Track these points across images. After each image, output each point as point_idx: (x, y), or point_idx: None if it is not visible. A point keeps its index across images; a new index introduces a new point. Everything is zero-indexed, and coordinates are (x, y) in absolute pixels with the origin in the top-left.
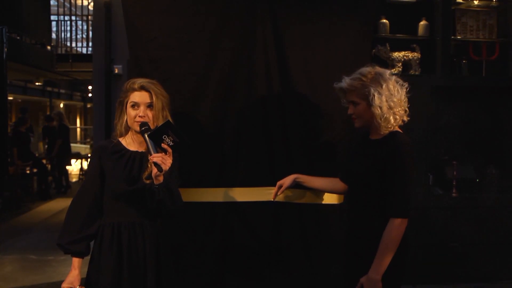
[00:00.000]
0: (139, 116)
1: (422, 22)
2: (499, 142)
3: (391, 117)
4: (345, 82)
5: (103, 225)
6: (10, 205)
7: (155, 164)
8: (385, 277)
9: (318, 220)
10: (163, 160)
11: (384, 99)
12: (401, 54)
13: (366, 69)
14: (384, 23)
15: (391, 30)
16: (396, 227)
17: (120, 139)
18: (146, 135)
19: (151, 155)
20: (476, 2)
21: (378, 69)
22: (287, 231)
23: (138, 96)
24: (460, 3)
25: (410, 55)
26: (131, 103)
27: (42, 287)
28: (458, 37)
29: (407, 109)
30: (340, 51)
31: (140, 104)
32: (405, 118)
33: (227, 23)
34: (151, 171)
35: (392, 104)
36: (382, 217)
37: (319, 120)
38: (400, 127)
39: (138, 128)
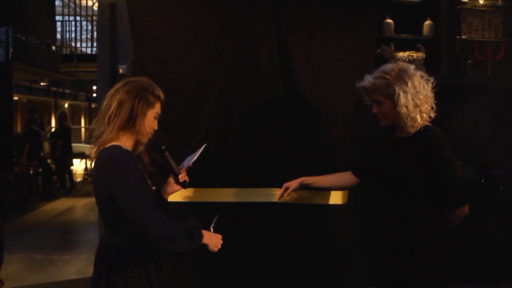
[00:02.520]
0: (154, 129)
1: (427, 22)
2: (504, 143)
3: (418, 116)
4: (368, 81)
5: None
6: (15, 205)
7: (182, 182)
8: (431, 277)
9: (321, 221)
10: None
11: (409, 97)
12: (406, 54)
13: (389, 66)
14: (388, 23)
15: (396, 30)
16: (463, 212)
17: (116, 143)
18: (166, 153)
19: (175, 173)
20: (481, 2)
21: (402, 65)
22: (291, 231)
23: (160, 108)
24: (465, 2)
25: (414, 55)
26: (155, 114)
27: (47, 286)
28: (463, 37)
29: (433, 105)
30: (345, 51)
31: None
32: (432, 115)
33: (231, 24)
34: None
35: (418, 102)
36: (426, 214)
37: (323, 120)
38: None
39: (146, 140)
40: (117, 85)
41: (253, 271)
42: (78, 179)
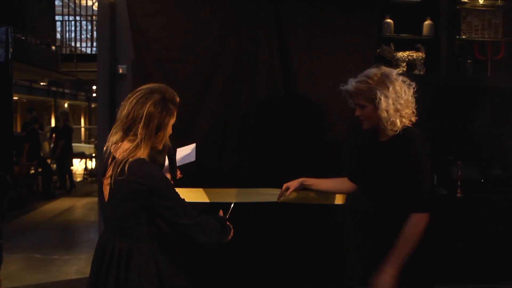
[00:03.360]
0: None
1: (427, 22)
2: (504, 142)
3: (398, 120)
4: (351, 85)
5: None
6: (15, 205)
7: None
8: (417, 277)
9: (321, 221)
10: None
11: (390, 102)
12: (406, 54)
13: (372, 71)
14: (388, 22)
15: (396, 29)
16: (417, 222)
17: (142, 156)
18: (173, 157)
19: (174, 172)
20: (481, 2)
21: (385, 69)
22: (291, 231)
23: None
24: (465, 2)
25: (414, 54)
26: (173, 121)
27: (47, 286)
28: (463, 37)
29: (414, 110)
30: (345, 51)
31: None
32: (413, 119)
33: (232, 24)
34: None
35: (399, 106)
36: (405, 216)
37: (323, 121)
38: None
39: (161, 146)
40: (137, 95)
41: (252, 270)
42: (78, 179)
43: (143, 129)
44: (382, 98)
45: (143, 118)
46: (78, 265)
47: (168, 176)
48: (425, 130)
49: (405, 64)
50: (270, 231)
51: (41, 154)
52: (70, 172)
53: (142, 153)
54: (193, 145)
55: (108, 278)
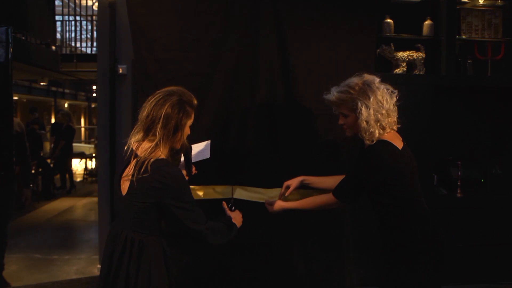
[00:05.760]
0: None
1: (427, 22)
2: (504, 142)
3: (376, 131)
4: (333, 95)
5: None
6: (15, 204)
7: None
8: (419, 281)
9: (321, 221)
10: None
11: (371, 112)
12: (406, 53)
13: (354, 81)
14: (388, 22)
15: (396, 29)
16: (328, 201)
17: (163, 157)
18: (189, 155)
19: (190, 169)
20: (481, 2)
21: (367, 78)
22: (290, 231)
23: (193, 115)
24: (465, 2)
25: (414, 54)
26: (191, 123)
27: (47, 286)
28: (463, 37)
29: (396, 119)
30: (345, 51)
31: None
32: (395, 127)
33: (231, 24)
34: None
35: (379, 116)
36: (384, 222)
37: (323, 120)
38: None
39: (179, 146)
40: (157, 97)
41: (252, 270)
42: (78, 179)
43: (161, 130)
44: (363, 108)
45: (161, 119)
46: (78, 265)
47: (184, 172)
48: (425, 130)
49: (405, 64)
50: (269, 231)
51: (41, 154)
52: (70, 172)
53: (162, 153)
54: (207, 142)
55: (120, 268)
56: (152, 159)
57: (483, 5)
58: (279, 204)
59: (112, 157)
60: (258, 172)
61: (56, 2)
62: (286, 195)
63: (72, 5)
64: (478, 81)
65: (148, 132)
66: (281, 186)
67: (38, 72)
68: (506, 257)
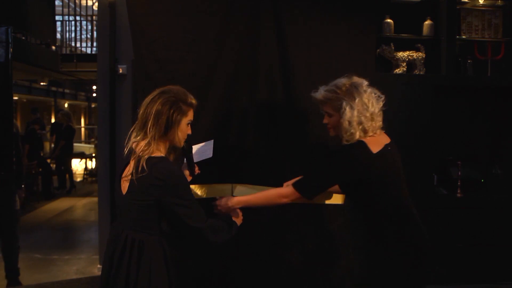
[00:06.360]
0: (188, 134)
1: (427, 22)
2: (504, 142)
3: (357, 133)
4: (320, 93)
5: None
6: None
7: (196, 175)
8: (401, 280)
9: (321, 221)
10: None
11: (355, 113)
12: (406, 53)
13: (341, 81)
14: (388, 22)
15: (396, 29)
16: (287, 194)
17: (160, 154)
18: (190, 155)
19: (192, 168)
20: (481, 2)
21: (355, 80)
22: (290, 231)
23: (193, 114)
24: (465, 2)
25: (414, 54)
26: (189, 121)
27: (47, 286)
28: (463, 37)
29: (380, 124)
30: (345, 51)
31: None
32: (378, 132)
33: (231, 23)
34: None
35: (363, 118)
36: (364, 221)
37: (322, 120)
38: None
39: (180, 145)
40: (152, 95)
41: (252, 270)
42: (78, 179)
43: (153, 127)
44: (347, 108)
45: (152, 115)
46: (78, 265)
47: (186, 172)
48: (425, 130)
49: (405, 64)
50: (268, 231)
51: (41, 154)
52: (71, 172)
53: (157, 150)
54: (210, 142)
55: (120, 268)
56: (146, 157)
57: (483, 5)
58: (238, 200)
59: (112, 157)
60: (258, 171)
61: (56, 2)
62: None
63: (72, 5)
64: (478, 81)
65: (143, 130)
66: (281, 186)
67: (38, 72)
68: (506, 257)
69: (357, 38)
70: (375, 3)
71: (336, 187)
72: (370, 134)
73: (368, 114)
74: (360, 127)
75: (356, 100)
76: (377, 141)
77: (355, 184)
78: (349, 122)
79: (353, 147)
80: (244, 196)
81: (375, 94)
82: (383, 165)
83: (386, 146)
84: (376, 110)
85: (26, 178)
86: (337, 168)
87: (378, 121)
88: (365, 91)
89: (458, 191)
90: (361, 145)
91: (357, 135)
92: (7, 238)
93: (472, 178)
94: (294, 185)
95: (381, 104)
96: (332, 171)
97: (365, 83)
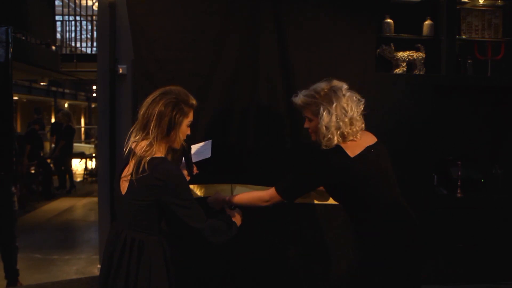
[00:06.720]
0: (187, 135)
1: (427, 22)
2: (504, 142)
3: (335, 138)
4: (299, 98)
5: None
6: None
7: (194, 175)
8: (400, 279)
9: (321, 221)
10: None
11: (334, 118)
12: (406, 53)
13: (320, 85)
14: (388, 22)
15: (396, 29)
16: (268, 198)
17: (161, 155)
18: (188, 155)
19: (191, 169)
20: (481, 2)
21: (335, 84)
22: (290, 231)
23: (192, 115)
24: (465, 2)
25: (414, 54)
26: (189, 122)
27: (47, 286)
28: (463, 37)
29: (362, 127)
30: (345, 51)
31: None
32: (359, 136)
33: (231, 23)
34: None
35: (341, 123)
36: (355, 220)
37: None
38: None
39: (179, 146)
40: (154, 95)
41: (252, 270)
42: (78, 179)
43: (155, 128)
44: (325, 113)
45: (155, 116)
46: (78, 265)
47: (185, 172)
48: (425, 130)
49: (405, 64)
50: (268, 231)
51: (41, 154)
52: (70, 172)
53: (158, 151)
54: (208, 142)
55: (120, 267)
56: (148, 157)
57: (483, 5)
58: (229, 197)
59: (112, 157)
60: (258, 171)
61: (56, 2)
62: None
63: (72, 5)
64: (478, 81)
65: (144, 130)
66: None
67: (38, 72)
68: (506, 257)
69: (357, 38)
70: (375, 3)
71: None
72: (350, 138)
73: (346, 119)
74: (338, 132)
75: (334, 105)
76: (358, 145)
77: (337, 187)
78: (327, 128)
79: (330, 152)
80: (235, 195)
81: (355, 98)
82: (364, 167)
83: (369, 148)
84: (355, 115)
85: (26, 178)
86: (315, 173)
87: (358, 126)
88: (344, 95)
89: (458, 191)
90: (338, 150)
91: (335, 140)
92: (5, 238)
93: (472, 178)
94: (275, 187)
95: (361, 108)
96: (310, 176)
97: (345, 86)
